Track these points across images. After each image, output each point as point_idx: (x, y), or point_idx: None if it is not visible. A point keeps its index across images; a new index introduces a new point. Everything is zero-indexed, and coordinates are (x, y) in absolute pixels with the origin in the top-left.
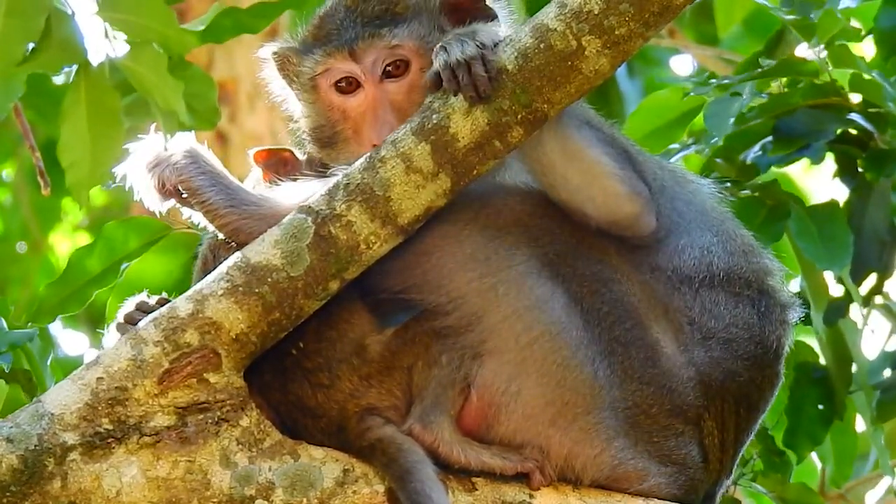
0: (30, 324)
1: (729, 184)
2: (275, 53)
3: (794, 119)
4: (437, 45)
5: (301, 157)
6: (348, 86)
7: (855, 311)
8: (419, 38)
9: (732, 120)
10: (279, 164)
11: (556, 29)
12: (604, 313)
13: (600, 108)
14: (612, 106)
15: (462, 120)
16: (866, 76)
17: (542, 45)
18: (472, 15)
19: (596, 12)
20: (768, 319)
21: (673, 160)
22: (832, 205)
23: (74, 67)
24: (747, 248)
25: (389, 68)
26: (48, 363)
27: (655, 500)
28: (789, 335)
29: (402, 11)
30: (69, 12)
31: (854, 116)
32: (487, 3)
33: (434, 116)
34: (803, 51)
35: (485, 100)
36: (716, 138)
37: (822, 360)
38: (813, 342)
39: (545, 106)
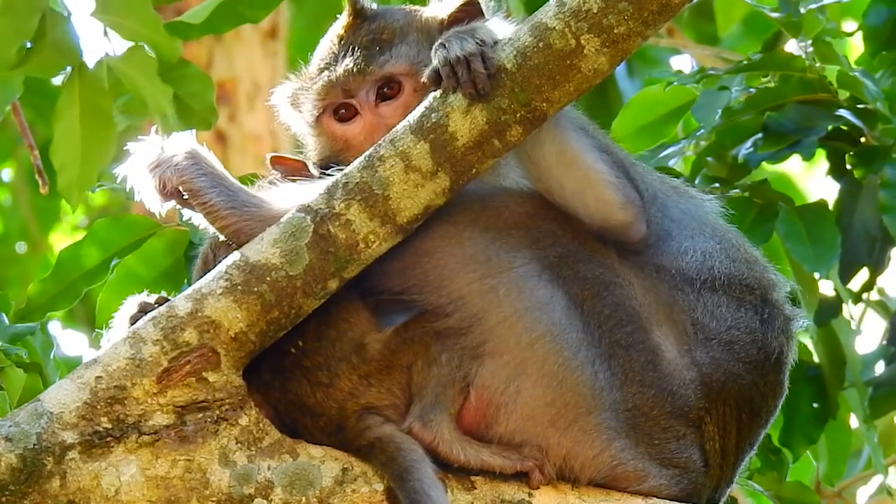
0: (20, 322)
1: (719, 183)
2: (286, 96)
3: (783, 115)
4: (437, 43)
5: (315, 171)
6: (347, 113)
7: (848, 309)
8: (409, 59)
9: (720, 112)
10: (294, 173)
11: (554, 27)
12: (605, 316)
13: (599, 108)
14: (612, 105)
15: (461, 119)
16: (850, 73)
17: (540, 44)
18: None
19: (595, 11)
20: (770, 327)
21: (664, 155)
22: (821, 205)
23: (69, 68)
24: (750, 258)
25: (384, 91)
26: (51, 357)
27: (655, 499)
28: (792, 347)
29: (390, 37)
30: (65, 14)
31: (843, 113)
32: (483, 12)
33: (433, 115)
34: (793, 46)
35: (483, 97)
36: (703, 130)
37: (816, 359)
38: (807, 340)
39: (544, 105)
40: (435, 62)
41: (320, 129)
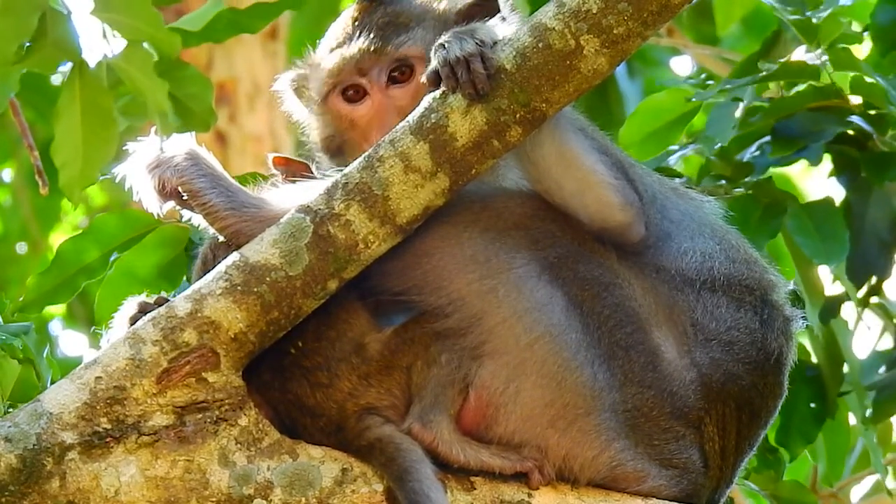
0: (16, 314)
1: (724, 182)
2: (291, 80)
3: (792, 121)
4: (436, 44)
5: (315, 171)
6: (355, 94)
7: (846, 310)
8: (424, 43)
9: (734, 126)
10: (296, 174)
11: (554, 28)
12: (604, 317)
13: (600, 109)
14: (612, 106)
15: (460, 119)
16: (868, 79)
17: (540, 45)
18: (484, 17)
19: (594, 11)
20: (770, 327)
21: (672, 160)
22: (828, 202)
23: (69, 66)
24: (750, 259)
25: (395, 74)
26: (44, 356)
27: (655, 499)
28: (792, 348)
29: (406, 21)
30: (65, 12)
31: (854, 119)
32: (499, 6)
33: (432, 115)
34: (802, 53)
35: (483, 98)
36: (718, 144)
37: (815, 359)
38: (805, 341)
39: (543, 105)
40: (434, 63)
41: (326, 107)
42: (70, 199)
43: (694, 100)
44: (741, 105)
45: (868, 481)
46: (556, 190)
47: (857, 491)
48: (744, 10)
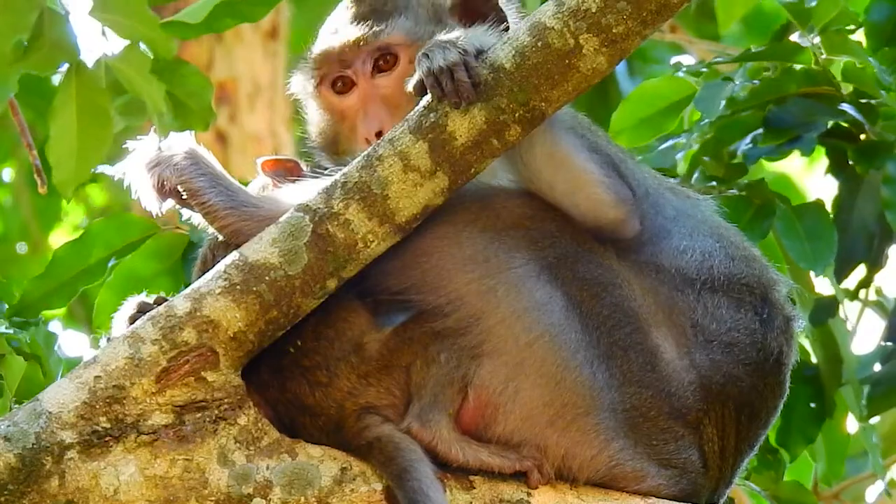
0: (13, 318)
1: (716, 182)
2: (297, 79)
3: (784, 110)
4: (420, 53)
5: (305, 167)
6: (343, 86)
7: (848, 309)
8: (405, 31)
9: (723, 103)
10: (285, 174)
11: (553, 27)
12: (603, 317)
13: (600, 107)
14: (612, 105)
15: (460, 118)
16: (859, 64)
17: (539, 44)
18: (483, 15)
19: (593, 10)
20: (770, 327)
21: (665, 147)
22: (818, 204)
23: (67, 66)
24: (750, 256)
25: (379, 63)
26: (54, 349)
27: (654, 499)
28: (793, 347)
29: (391, 9)
30: (63, 12)
31: (845, 107)
32: (500, 4)
33: (431, 115)
34: (797, 38)
35: (468, 106)
36: (706, 121)
37: (813, 359)
38: (804, 341)
39: (543, 104)
40: (418, 72)
41: (318, 100)
42: (63, 196)
43: (681, 75)
44: (732, 86)
45: (882, 483)
46: (548, 190)
47: (874, 490)
48: (745, 8)
